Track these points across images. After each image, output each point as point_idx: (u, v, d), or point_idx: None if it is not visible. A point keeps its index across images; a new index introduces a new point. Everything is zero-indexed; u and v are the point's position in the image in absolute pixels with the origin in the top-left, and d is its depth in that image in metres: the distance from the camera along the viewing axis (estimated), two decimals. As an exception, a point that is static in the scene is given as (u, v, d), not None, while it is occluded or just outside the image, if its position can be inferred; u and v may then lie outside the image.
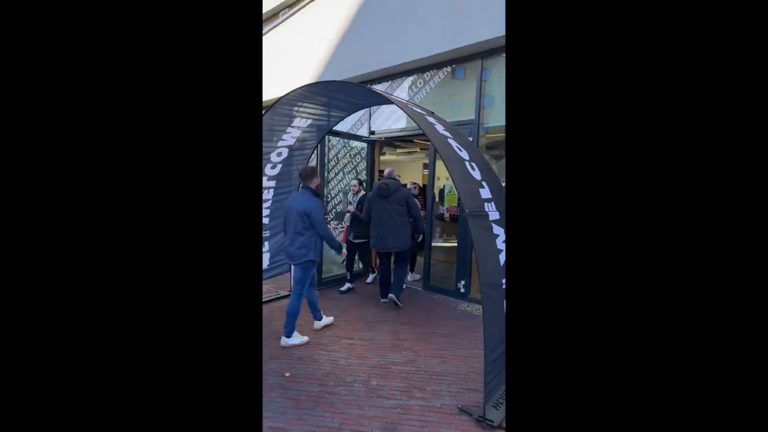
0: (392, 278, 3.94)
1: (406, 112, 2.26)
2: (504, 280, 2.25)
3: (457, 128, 3.09)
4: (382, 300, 4.04)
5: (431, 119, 2.58)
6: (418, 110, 2.66)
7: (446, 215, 4.51)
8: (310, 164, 3.87)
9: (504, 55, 3.75)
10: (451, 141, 2.42)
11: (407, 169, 9.87)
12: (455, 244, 4.26)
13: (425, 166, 11.11)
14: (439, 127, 2.51)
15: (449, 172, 2.08)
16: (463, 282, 4.11)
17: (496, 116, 3.92)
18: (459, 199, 4.18)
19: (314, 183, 2.95)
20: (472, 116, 4.00)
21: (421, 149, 8.65)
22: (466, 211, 2.04)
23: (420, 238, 4.14)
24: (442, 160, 2.09)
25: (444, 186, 4.41)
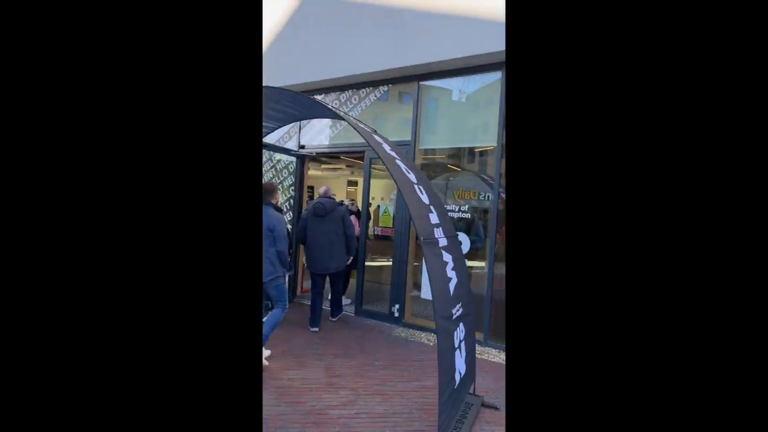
0: (330, 299, 4.00)
1: (356, 129, 2.07)
2: (454, 311, 2.15)
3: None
4: (312, 329, 3.70)
5: (378, 138, 2.43)
6: (363, 126, 2.49)
7: (371, 234, 4.39)
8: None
9: (440, 79, 3.83)
10: (399, 162, 2.29)
11: (331, 186, 9.61)
12: (389, 263, 4.14)
13: (350, 183, 11.00)
14: (386, 147, 2.37)
15: (403, 196, 1.93)
16: (397, 306, 3.98)
17: (432, 138, 3.96)
18: (394, 220, 4.09)
19: (276, 198, 2.95)
20: (405, 137, 3.98)
21: (347, 166, 8.51)
22: (421, 238, 1.90)
23: (350, 260, 3.96)
24: (396, 183, 1.93)
25: (379, 206, 4.28)
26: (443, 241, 2.23)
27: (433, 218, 2.25)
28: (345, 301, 4.50)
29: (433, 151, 4.04)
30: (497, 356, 3.33)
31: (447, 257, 2.22)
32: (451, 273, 2.22)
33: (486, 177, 3.83)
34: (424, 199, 2.27)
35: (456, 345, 2.15)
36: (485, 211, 3.71)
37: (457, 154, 3.99)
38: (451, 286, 2.19)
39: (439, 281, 1.99)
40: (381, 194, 4.45)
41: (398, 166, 2.22)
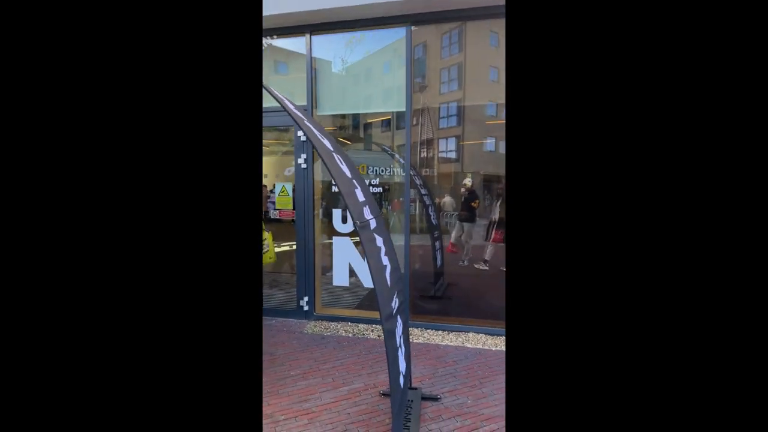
0: None
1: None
2: (393, 304, 1.79)
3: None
4: None
5: (275, 92, 1.83)
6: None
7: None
8: None
9: (335, 32, 3.27)
10: (308, 124, 1.75)
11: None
12: (291, 248, 3.57)
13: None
14: (288, 104, 1.79)
15: (327, 167, 1.44)
16: (306, 298, 3.47)
17: (331, 103, 3.43)
18: (294, 200, 3.49)
19: None
20: (302, 101, 3.36)
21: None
22: (357, 222, 1.46)
23: None
24: (315, 149, 1.42)
25: (275, 185, 3.60)
26: (373, 223, 1.82)
27: (360, 195, 1.81)
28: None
29: (327, 118, 3.53)
30: (421, 336, 3.17)
31: (379, 241, 1.83)
32: (384, 259, 1.85)
33: (386, 147, 3.53)
34: (346, 171, 1.81)
35: (398, 344, 1.82)
36: (383, 184, 3.42)
37: (356, 123, 3.56)
38: (387, 275, 1.82)
39: (378, 273, 1.59)
40: (274, 171, 3.76)
41: (310, 127, 1.69)
